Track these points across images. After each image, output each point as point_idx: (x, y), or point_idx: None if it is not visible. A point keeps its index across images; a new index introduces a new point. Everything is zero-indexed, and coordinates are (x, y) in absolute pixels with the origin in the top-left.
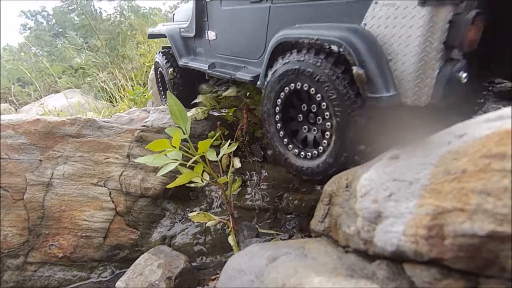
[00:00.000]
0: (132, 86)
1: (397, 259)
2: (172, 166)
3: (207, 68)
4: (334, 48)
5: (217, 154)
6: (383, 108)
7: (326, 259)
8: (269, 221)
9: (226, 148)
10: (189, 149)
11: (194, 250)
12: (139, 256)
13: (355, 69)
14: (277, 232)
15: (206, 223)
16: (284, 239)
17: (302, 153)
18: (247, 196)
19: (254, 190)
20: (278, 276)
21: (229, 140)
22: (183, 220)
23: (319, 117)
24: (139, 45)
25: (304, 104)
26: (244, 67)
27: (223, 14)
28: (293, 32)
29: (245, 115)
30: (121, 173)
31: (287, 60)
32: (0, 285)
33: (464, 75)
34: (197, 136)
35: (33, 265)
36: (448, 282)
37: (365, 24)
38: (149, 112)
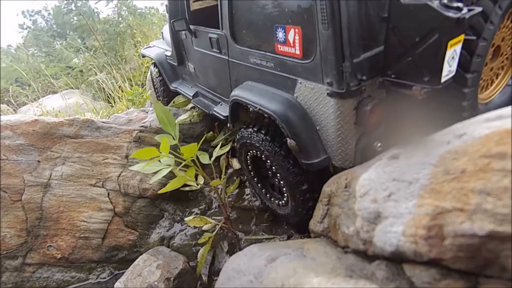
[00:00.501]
0: (130, 86)
1: (396, 260)
2: (165, 172)
3: (191, 97)
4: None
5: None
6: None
7: (325, 260)
8: (267, 222)
9: (219, 150)
10: (181, 154)
11: (192, 250)
12: (138, 257)
13: (288, 141)
14: (269, 236)
15: (202, 226)
16: (283, 240)
17: (280, 202)
18: (245, 197)
19: (252, 191)
20: (277, 277)
21: (221, 142)
22: (182, 220)
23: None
24: (137, 46)
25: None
26: (220, 103)
27: (196, 53)
28: (243, 95)
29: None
30: (120, 174)
31: (241, 134)
32: None
33: (378, 144)
34: (195, 137)
35: (32, 266)
36: (448, 282)
37: (297, 96)
38: (147, 112)
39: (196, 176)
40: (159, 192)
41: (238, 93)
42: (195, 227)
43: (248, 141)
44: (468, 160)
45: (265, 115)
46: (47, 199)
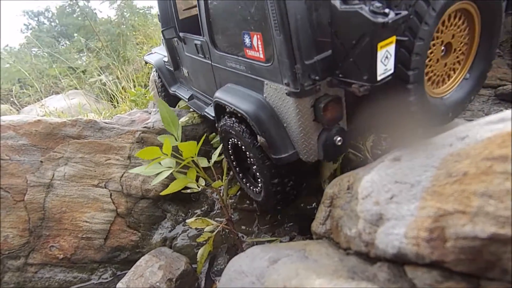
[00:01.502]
0: (133, 87)
1: (398, 262)
2: (166, 174)
3: (187, 100)
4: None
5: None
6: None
7: (327, 261)
8: (270, 224)
9: (217, 153)
10: (181, 153)
11: (195, 251)
12: (140, 257)
13: (258, 138)
14: (272, 238)
15: (204, 228)
16: (285, 241)
17: (255, 189)
18: (248, 198)
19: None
20: (279, 278)
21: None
22: (184, 221)
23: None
24: (139, 46)
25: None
26: (210, 104)
27: (187, 58)
28: (222, 97)
29: None
30: (122, 175)
31: (224, 122)
32: (1, 287)
33: (338, 138)
34: (198, 138)
35: (34, 267)
36: (450, 285)
37: (266, 97)
38: (150, 113)
39: (197, 178)
40: (161, 194)
41: (218, 95)
42: (197, 228)
43: (230, 129)
44: (470, 162)
45: (237, 116)
46: (49, 200)
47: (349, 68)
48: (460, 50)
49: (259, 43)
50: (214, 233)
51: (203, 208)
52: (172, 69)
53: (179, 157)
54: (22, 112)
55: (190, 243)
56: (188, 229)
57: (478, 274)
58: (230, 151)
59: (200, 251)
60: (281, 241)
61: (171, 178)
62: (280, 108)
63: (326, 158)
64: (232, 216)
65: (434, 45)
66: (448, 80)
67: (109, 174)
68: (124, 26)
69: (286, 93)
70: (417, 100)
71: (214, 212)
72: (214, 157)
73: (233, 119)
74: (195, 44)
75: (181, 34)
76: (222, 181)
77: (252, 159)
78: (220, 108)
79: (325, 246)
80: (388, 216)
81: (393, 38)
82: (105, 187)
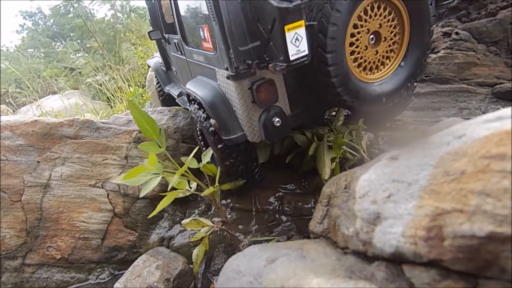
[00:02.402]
0: (129, 87)
1: (396, 261)
2: (155, 183)
3: (176, 96)
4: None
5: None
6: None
7: (325, 261)
8: (267, 223)
9: (206, 156)
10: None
11: (192, 251)
12: (138, 257)
13: (211, 120)
14: (269, 238)
15: (199, 230)
16: (283, 241)
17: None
18: (245, 198)
19: (252, 192)
20: (276, 278)
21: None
22: (181, 221)
23: None
24: (135, 46)
25: None
26: None
27: (173, 57)
28: (188, 87)
29: None
30: (119, 174)
31: (191, 109)
32: None
33: (277, 120)
34: (194, 138)
35: (31, 267)
36: (448, 283)
37: (220, 85)
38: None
39: (189, 182)
40: (150, 216)
41: (187, 86)
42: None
43: (195, 113)
44: (467, 161)
45: (197, 101)
46: (46, 200)
47: (271, 51)
48: (391, 39)
49: (207, 34)
50: (208, 233)
51: (200, 208)
52: (165, 69)
53: (169, 162)
54: (19, 112)
55: (188, 243)
56: (185, 229)
57: (476, 273)
58: (199, 136)
59: (195, 252)
60: (278, 241)
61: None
62: (227, 93)
63: (267, 138)
64: (230, 216)
65: (359, 32)
66: (383, 67)
67: (106, 174)
68: (120, 26)
69: (226, 77)
70: (340, 82)
71: (212, 211)
72: (205, 158)
73: (195, 105)
74: (175, 43)
75: (166, 36)
76: (214, 186)
77: (209, 142)
78: (189, 98)
79: (322, 245)
80: (385, 215)
81: (301, 22)
82: (102, 187)
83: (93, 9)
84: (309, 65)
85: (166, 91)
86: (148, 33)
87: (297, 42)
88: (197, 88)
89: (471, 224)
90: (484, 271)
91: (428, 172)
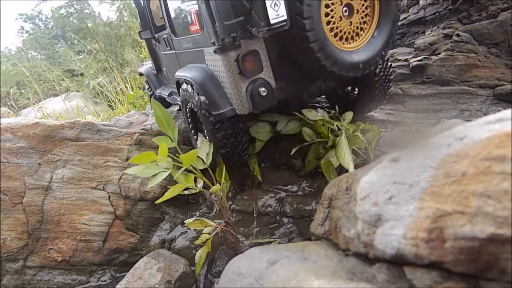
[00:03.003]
0: (131, 89)
1: (397, 262)
2: (162, 176)
3: (167, 96)
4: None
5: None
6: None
7: (326, 262)
8: (268, 225)
9: (208, 156)
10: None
11: (193, 253)
12: (139, 259)
13: (200, 98)
14: (270, 239)
15: (202, 230)
16: (284, 243)
17: None
18: (246, 200)
19: (253, 194)
20: (278, 280)
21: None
22: (183, 223)
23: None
24: (137, 48)
25: None
26: None
27: (163, 57)
28: (178, 74)
29: None
30: (120, 177)
31: (182, 89)
32: None
33: (263, 89)
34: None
35: (32, 269)
36: (449, 285)
37: (208, 64)
38: (148, 115)
39: (195, 179)
40: (156, 202)
41: (177, 74)
42: (195, 230)
43: (185, 94)
44: (468, 163)
45: (187, 83)
46: (48, 202)
47: (253, 19)
48: (363, 11)
49: (195, 16)
50: (212, 234)
51: (201, 210)
52: (155, 72)
53: (177, 158)
54: (20, 114)
55: (189, 245)
56: (186, 231)
57: (477, 275)
58: (188, 117)
59: (198, 253)
60: (279, 243)
61: (168, 180)
62: (216, 70)
63: (254, 108)
64: (231, 217)
65: (333, 3)
66: (358, 37)
67: (107, 176)
68: (123, 29)
69: (213, 51)
70: (319, 47)
71: (213, 214)
72: (209, 158)
73: (186, 86)
74: (164, 39)
75: (156, 35)
76: (220, 184)
77: (200, 118)
78: (179, 84)
79: (324, 247)
80: (386, 217)
81: None
82: (104, 189)
83: (94, 12)
84: (289, 36)
85: (157, 94)
86: (139, 32)
87: (276, 7)
88: (187, 72)
89: (472, 225)
90: (485, 273)
91: (429, 174)
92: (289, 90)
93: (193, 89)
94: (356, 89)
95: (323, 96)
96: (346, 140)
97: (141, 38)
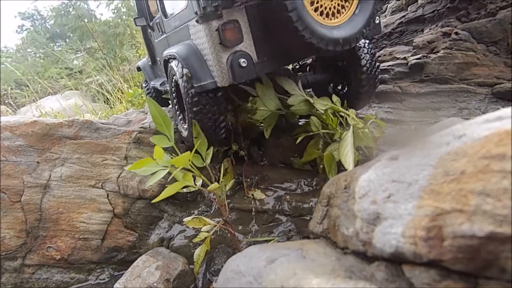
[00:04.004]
0: (129, 87)
1: (396, 261)
2: (161, 174)
3: (159, 86)
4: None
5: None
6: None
7: (325, 261)
8: (267, 224)
9: (211, 154)
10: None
11: (192, 252)
12: (137, 258)
13: (184, 70)
14: (269, 238)
15: (201, 228)
16: (282, 241)
17: (184, 125)
18: (245, 198)
19: (252, 192)
20: (276, 278)
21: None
22: (181, 222)
23: None
24: (136, 46)
25: None
26: None
27: (157, 45)
28: (166, 52)
29: (238, 119)
30: (119, 175)
31: (170, 65)
32: None
33: (242, 60)
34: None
35: (31, 268)
36: (448, 283)
37: (192, 39)
38: (146, 113)
39: (194, 178)
40: (153, 201)
41: (165, 52)
42: (194, 228)
43: (171, 71)
44: (467, 161)
45: (173, 58)
46: (46, 200)
47: None
48: None
49: None
50: (211, 233)
51: (200, 209)
52: (150, 64)
53: (175, 156)
54: (18, 113)
55: (188, 243)
56: (185, 230)
57: (476, 273)
58: (173, 91)
59: (196, 251)
60: (278, 241)
61: (167, 178)
62: (199, 44)
63: (234, 79)
64: (230, 216)
65: None
66: (339, 14)
67: (106, 174)
68: (122, 27)
69: (196, 21)
70: (297, 17)
71: (211, 212)
72: (208, 157)
73: (172, 62)
74: (157, 24)
75: (151, 23)
76: (218, 182)
77: (182, 92)
78: (166, 64)
79: (322, 245)
80: (385, 215)
81: None
82: (102, 188)
83: (93, 10)
84: (269, 7)
85: (151, 85)
86: (134, 19)
87: None
88: (173, 49)
89: (471, 224)
90: (484, 271)
91: (428, 172)
92: (271, 66)
93: (177, 64)
94: (344, 86)
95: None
96: (352, 137)
97: (136, 25)
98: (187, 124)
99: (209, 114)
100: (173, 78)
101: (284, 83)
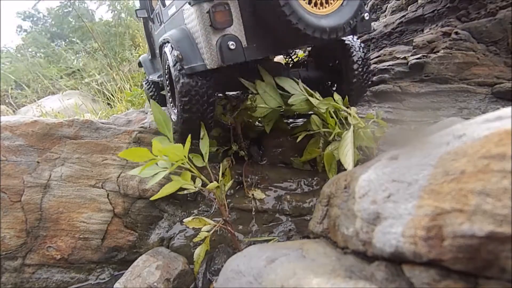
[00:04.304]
0: (130, 87)
1: (396, 260)
2: (161, 176)
3: (157, 77)
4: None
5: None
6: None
7: (325, 260)
8: (267, 223)
9: (207, 154)
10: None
11: (192, 251)
12: (137, 257)
13: (174, 52)
14: (269, 238)
15: (201, 228)
16: (282, 241)
17: (174, 110)
18: (245, 198)
19: (252, 192)
20: (276, 278)
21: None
22: (181, 221)
23: None
24: (137, 47)
25: None
26: None
27: (156, 37)
28: (161, 38)
29: (237, 119)
30: (119, 175)
31: (163, 49)
32: None
33: (231, 42)
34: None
35: (31, 267)
36: (447, 283)
37: (186, 24)
38: (146, 113)
39: (193, 178)
40: (151, 199)
41: (160, 38)
42: (194, 228)
43: (164, 55)
44: (467, 161)
45: (167, 42)
46: (46, 200)
47: None
48: None
49: None
50: (211, 232)
51: (200, 208)
52: (149, 58)
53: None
54: (19, 113)
55: (188, 243)
56: (185, 229)
57: (476, 273)
58: (166, 76)
59: (197, 251)
60: (278, 241)
61: (168, 179)
62: (192, 27)
63: (223, 61)
64: (229, 215)
65: None
66: (328, 5)
67: (106, 174)
68: (121, 27)
69: (188, 3)
70: (289, 9)
71: (211, 212)
72: (206, 156)
73: (166, 47)
74: (156, 15)
75: (151, 15)
76: (218, 181)
77: (172, 75)
78: (161, 49)
79: (322, 245)
80: (385, 215)
81: None
82: (102, 188)
83: (93, 11)
84: None
85: (149, 79)
86: (136, 10)
87: None
88: (167, 34)
89: (471, 224)
90: (484, 271)
91: (428, 172)
92: (260, 52)
93: (170, 47)
94: (335, 84)
95: None
96: (353, 137)
97: (137, 16)
98: (177, 109)
99: (196, 96)
100: (166, 63)
101: (284, 83)
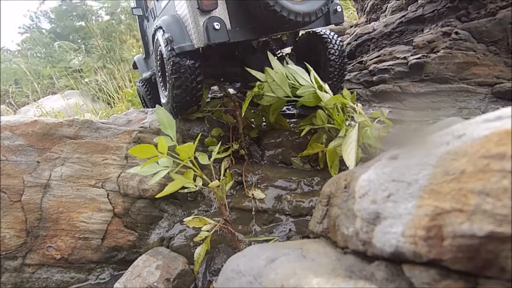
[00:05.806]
0: (130, 87)
1: (396, 260)
2: (162, 174)
3: (148, 74)
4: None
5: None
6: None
7: (325, 260)
8: (267, 223)
9: (216, 153)
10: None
11: (192, 251)
12: (137, 257)
13: (165, 34)
14: (269, 237)
15: (201, 227)
16: (282, 241)
17: (165, 93)
18: (245, 198)
19: (252, 191)
20: (276, 277)
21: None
22: (181, 221)
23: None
24: (135, 45)
25: None
26: None
27: (150, 34)
28: (154, 26)
29: (238, 118)
30: (119, 175)
31: (156, 36)
32: None
33: (216, 23)
34: (195, 137)
35: (31, 267)
36: (447, 283)
37: (177, 11)
38: (146, 113)
39: (194, 177)
40: (156, 196)
41: (153, 28)
42: (194, 228)
43: (157, 41)
44: (467, 161)
45: (159, 28)
46: (46, 200)
47: None
48: None
49: None
50: (211, 232)
51: (200, 208)
52: (144, 57)
53: (176, 156)
54: (19, 112)
55: (188, 243)
56: (185, 229)
57: (476, 273)
58: (158, 59)
59: (197, 251)
60: (278, 240)
61: (168, 178)
62: (181, 13)
63: (209, 39)
64: (230, 215)
65: None
66: None
67: (106, 174)
68: (122, 27)
69: None
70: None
71: (212, 212)
72: (214, 154)
73: (157, 32)
74: (151, 11)
75: (146, 13)
76: (219, 181)
77: (164, 57)
78: (153, 37)
79: (322, 245)
80: (385, 214)
81: None
82: (102, 187)
83: (96, 11)
84: None
85: (143, 77)
86: (131, 8)
87: None
88: (160, 20)
89: (471, 223)
90: (484, 271)
91: (428, 171)
92: (243, 35)
93: (162, 31)
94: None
95: None
96: (357, 135)
97: (133, 14)
98: (167, 91)
99: (186, 74)
100: (158, 48)
101: (295, 73)
